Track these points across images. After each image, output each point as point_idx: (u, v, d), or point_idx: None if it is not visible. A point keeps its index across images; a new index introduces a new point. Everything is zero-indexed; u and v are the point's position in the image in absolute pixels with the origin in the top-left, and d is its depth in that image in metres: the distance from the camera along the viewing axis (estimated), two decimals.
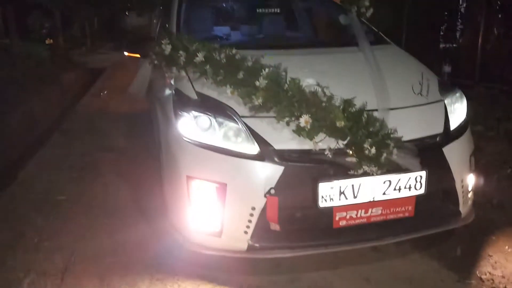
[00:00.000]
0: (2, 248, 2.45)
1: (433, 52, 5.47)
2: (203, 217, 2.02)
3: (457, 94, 2.42)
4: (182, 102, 2.15)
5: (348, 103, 1.92)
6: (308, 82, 2.01)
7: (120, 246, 2.41)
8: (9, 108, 5.48)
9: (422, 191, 2.02)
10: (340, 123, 1.85)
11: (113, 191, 3.19)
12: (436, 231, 2.16)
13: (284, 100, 1.95)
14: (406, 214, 2.07)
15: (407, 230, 2.10)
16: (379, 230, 2.07)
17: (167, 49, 2.30)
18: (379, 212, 2.02)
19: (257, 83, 1.98)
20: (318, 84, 1.99)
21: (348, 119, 1.89)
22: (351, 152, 1.89)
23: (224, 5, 3.56)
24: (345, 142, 1.89)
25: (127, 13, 31.03)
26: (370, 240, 2.07)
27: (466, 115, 2.38)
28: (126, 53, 2.99)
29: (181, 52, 2.24)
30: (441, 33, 5.78)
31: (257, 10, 3.30)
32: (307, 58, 2.48)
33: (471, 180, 2.30)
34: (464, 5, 5.65)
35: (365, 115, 1.92)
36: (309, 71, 2.25)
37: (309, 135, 1.88)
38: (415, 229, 2.11)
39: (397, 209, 2.04)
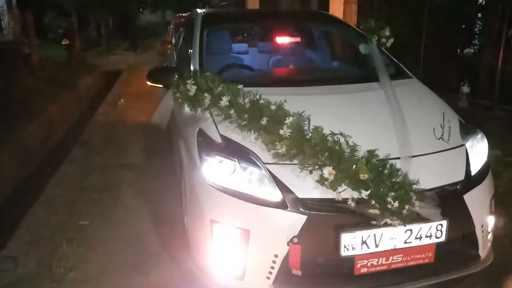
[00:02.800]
0: (30, 279, 2.53)
1: (452, 69, 5.45)
2: (226, 260, 2.07)
3: (478, 136, 2.43)
4: (207, 146, 2.20)
5: (371, 154, 1.94)
6: (331, 130, 2.03)
7: (144, 281, 2.48)
8: (29, 118, 5.61)
9: (442, 239, 2.05)
10: (363, 176, 1.88)
11: (134, 216, 3.26)
12: (456, 276, 2.18)
13: (308, 149, 1.98)
14: (426, 260, 2.09)
15: (427, 275, 2.12)
16: (399, 276, 2.09)
17: (192, 90, 2.35)
18: (400, 259, 2.05)
19: (281, 132, 2.01)
20: (341, 133, 2.02)
21: (371, 170, 1.91)
22: (373, 202, 1.91)
23: (245, 35, 3.58)
24: (367, 192, 1.92)
25: (141, 10, 31.24)
26: (390, 286, 2.09)
27: (487, 157, 2.39)
28: (149, 83, 3.03)
29: (206, 94, 2.29)
30: (459, 50, 5.73)
31: (277, 40, 3.33)
32: (328, 98, 2.50)
33: (491, 222, 2.32)
34: (483, 20, 5.59)
35: (388, 166, 1.94)
36: (331, 115, 2.27)
37: (332, 186, 1.91)
38: (434, 274, 2.13)
39: (417, 256, 2.07)
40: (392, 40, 3.25)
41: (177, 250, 2.70)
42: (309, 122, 2.08)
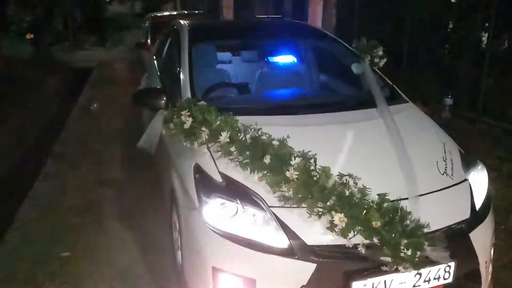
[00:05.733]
0: None
1: (434, 80, 5.47)
2: None
3: (479, 167, 2.41)
4: (206, 185, 2.08)
5: (382, 198, 1.88)
6: (339, 172, 1.95)
7: None
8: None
9: (450, 280, 2.02)
10: (376, 223, 1.81)
11: (120, 244, 3.09)
12: None
13: (316, 192, 1.89)
14: None
15: None
16: None
17: (188, 122, 2.21)
18: None
19: (288, 174, 1.91)
20: (349, 175, 1.94)
21: (383, 216, 1.85)
22: (384, 248, 1.85)
23: (234, 52, 3.45)
24: (378, 237, 1.85)
25: (108, 1, 30.22)
26: None
27: (488, 188, 2.37)
28: (135, 105, 2.86)
29: (203, 128, 2.16)
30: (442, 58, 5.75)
31: (269, 56, 3.21)
32: (328, 130, 2.41)
33: (491, 254, 2.31)
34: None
35: (399, 211, 1.88)
36: (334, 151, 2.19)
37: (343, 234, 1.83)
38: None
39: None
40: (385, 60, 3.20)
41: (169, 285, 2.58)
42: (315, 162, 1.99)
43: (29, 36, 14.80)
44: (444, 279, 2.01)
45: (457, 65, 5.53)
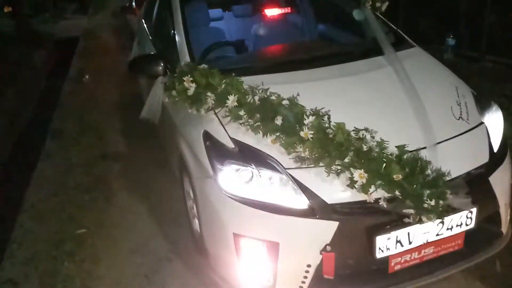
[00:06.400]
0: None
1: (435, 21, 5.26)
2: (253, 272, 1.97)
3: (494, 108, 2.35)
4: (219, 153, 2.02)
5: (401, 150, 1.82)
6: (354, 127, 1.89)
7: None
8: None
9: (472, 225, 2.01)
10: (397, 176, 1.77)
11: (134, 217, 3.07)
12: (483, 257, 2.16)
13: (333, 150, 1.84)
14: (456, 248, 2.06)
15: (457, 262, 2.09)
16: (430, 266, 2.05)
17: (191, 88, 2.12)
18: (431, 251, 2.00)
19: (302, 134, 1.85)
20: (366, 129, 1.88)
21: (402, 168, 1.80)
22: (407, 200, 1.82)
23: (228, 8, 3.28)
24: (400, 190, 1.82)
25: None
26: (423, 277, 2.05)
27: (504, 128, 2.32)
28: (132, 74, 2.74)
29: (209, 93, 2.07)
30: None
31: (268, 11, 3.05)
32: (337, 83, 2.32)
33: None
34: None
35: (419, 161, 1.83)
36: (346, 105, 2.12)
37: (364, 189, 1.80)
38: (464, 259, 2.10)
39: (448, 245, 2.03)
40: (387, 3, 3.06)
41: (189, 254, 2.58)
42: (329, 119, 1.92)
43: (6, 9, 14.15)
44: (466, 225, 2.00)
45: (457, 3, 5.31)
